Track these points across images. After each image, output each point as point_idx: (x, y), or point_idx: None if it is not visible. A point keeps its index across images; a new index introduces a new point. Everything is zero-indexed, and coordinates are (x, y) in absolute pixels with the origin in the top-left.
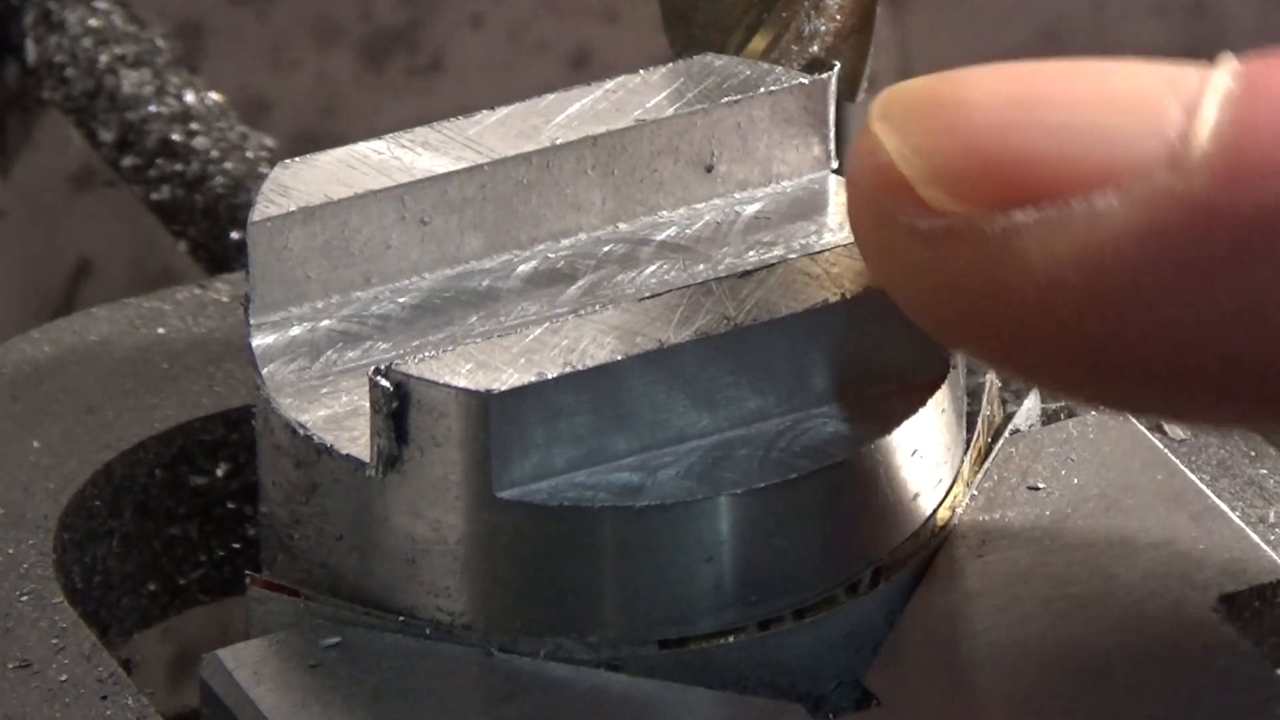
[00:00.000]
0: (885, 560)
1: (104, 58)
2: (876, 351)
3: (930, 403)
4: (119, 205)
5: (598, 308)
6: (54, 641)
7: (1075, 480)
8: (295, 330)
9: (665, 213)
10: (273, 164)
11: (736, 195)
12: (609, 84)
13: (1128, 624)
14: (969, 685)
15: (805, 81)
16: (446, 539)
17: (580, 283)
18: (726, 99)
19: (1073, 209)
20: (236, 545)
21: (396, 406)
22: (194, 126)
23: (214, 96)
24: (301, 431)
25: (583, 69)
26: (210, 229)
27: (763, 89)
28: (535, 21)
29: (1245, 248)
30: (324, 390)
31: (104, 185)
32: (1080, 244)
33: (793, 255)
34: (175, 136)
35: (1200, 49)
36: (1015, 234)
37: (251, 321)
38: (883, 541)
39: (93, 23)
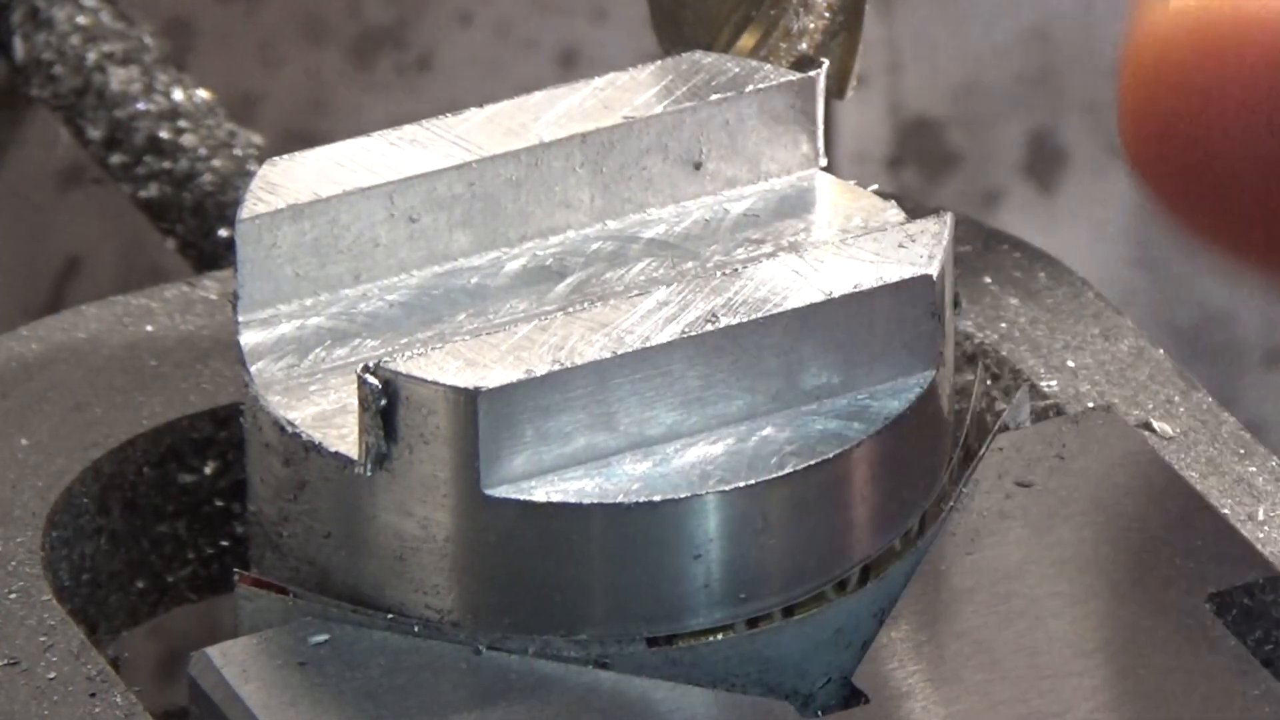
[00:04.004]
0: (874, 558)
1: (92, 55)
2: (865, 349)
3: (919, 400)
4: (107, 203)
5: (586, 305)
6: (42, 639)
7: (1064, 478)
8: (284, 327)
9: (654, 210)
10: (261, 161)
11: (725, 193)
12: (597, 81)
13: (1116, 621)
14: (957, 683)
15: (793, 79)
16: (435, 536)
17: (569, 280)
18: (715, 96)
19: None
20: (225, 543)
21: (385, 404)
22: (182, 124)
23: (202, 94)
24: (290, 429)
25: (571, 67)
26: (198, 226)
27: (751, 87)
28: (523, 19)
29: None
30: (312, 388)
31: (92, 183)
32: None
33: (781, 253)
34: (163, 134)
35: None
36: None
37: (240, 319)
38: (871, 539)
39: (80, 20)
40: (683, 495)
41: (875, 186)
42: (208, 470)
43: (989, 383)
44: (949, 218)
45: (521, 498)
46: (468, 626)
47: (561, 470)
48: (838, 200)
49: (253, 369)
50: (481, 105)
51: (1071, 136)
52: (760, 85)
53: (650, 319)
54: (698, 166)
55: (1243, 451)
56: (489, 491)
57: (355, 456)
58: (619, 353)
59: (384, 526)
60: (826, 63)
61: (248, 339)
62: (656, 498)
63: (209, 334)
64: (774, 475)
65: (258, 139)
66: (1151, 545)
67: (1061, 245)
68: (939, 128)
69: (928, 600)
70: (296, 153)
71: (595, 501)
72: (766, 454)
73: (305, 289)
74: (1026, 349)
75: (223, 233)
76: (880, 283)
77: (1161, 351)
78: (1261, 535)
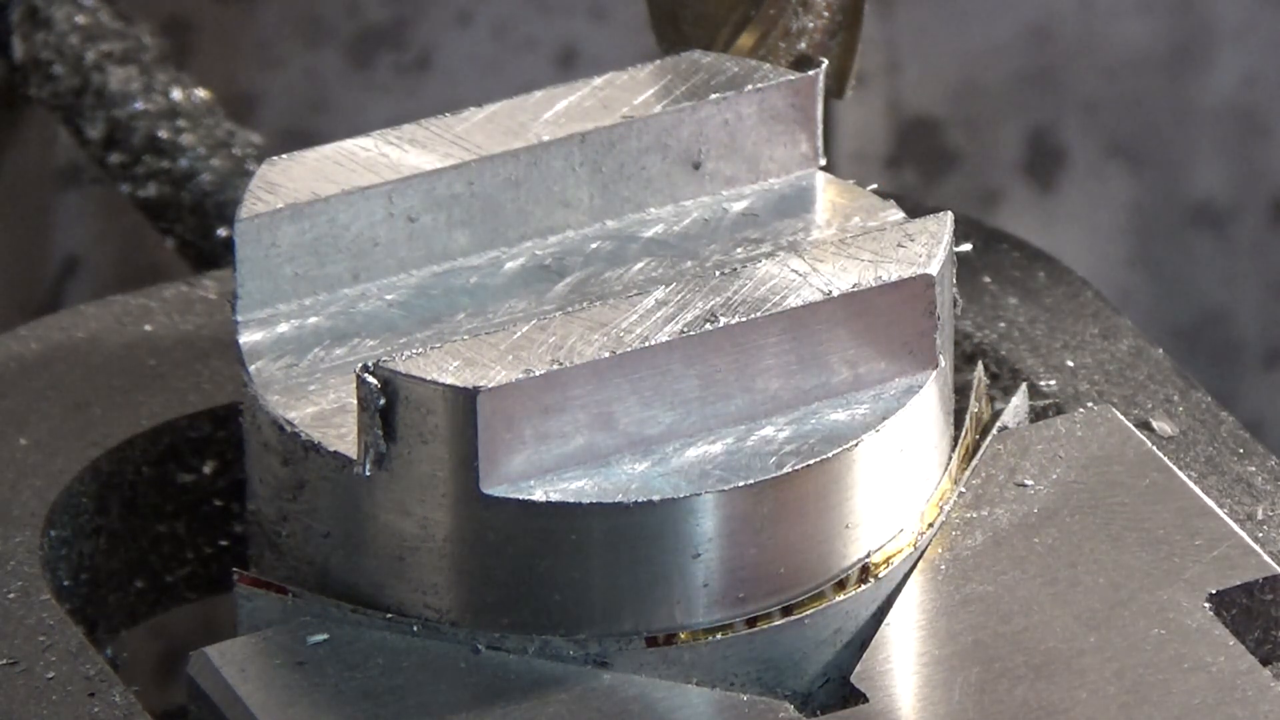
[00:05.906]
0: (873, 557)
1: (91, 55)
2: (864, 348)
3: (918, 400)
4: (106, 202)
5: (585, 305)
6: (41, 639)
7: (1063, 477)
8: (282, 327)
9: (653, 210)
10: (260, 161)
11: (724, 192)
12: (596, 81)
13: (1115, 621)
14: (957, 683)
15: (792, 79)
16: (434, 536)
17: (568, 280)
18: (714, 96)
19: None
20: (224, 542)
21: (384, 404)
22: (181, 124)
23: (201, 93)
24: (289, 429)
25: (570, 66)
26: (197, 226)
27: (750, 86)
28: (522, 19)
29: None
30: (311, 387)
31: (91, 182)
32: None
33: (780, 252)
34: (162, 134)
35: (1188, 45)
36: None
37: (239, 318)
38: (870, 538)
39: (79, 20)
40: (682, 495)
41: (874, 186)
42: (206, 470)
43: (988, 382)
44: (948, 217)
45: (520, 497)
46: (467, 626)
47: (560, 470)
48: (837, 200)
49: (251, 369)
50: (480, 105)
51: (1071, 136)
52: (759, 85)
53: (649, 319)
54: (697, 166)
55: (1242, 451)
56: (488, 491)
57: (354, 456)
58: (618, 352)
59: (383, 526)
60: (826, 62)
61: (246, 339)
62: (655, 498)
63: (208, 333)
64: (773, 475)
65: (257, 139)
66: (1151, 545)
67: (1060, 244)
68: (938, 127)
69: (926, 600)
70: (296, 152)
71: (594, 501)
72: (765, 454)
73: (304, 288)
74: (1025, 348)
75: (221, 232)
76: (879, 282)
77: (1160, 351)
78: (1261, 535)
